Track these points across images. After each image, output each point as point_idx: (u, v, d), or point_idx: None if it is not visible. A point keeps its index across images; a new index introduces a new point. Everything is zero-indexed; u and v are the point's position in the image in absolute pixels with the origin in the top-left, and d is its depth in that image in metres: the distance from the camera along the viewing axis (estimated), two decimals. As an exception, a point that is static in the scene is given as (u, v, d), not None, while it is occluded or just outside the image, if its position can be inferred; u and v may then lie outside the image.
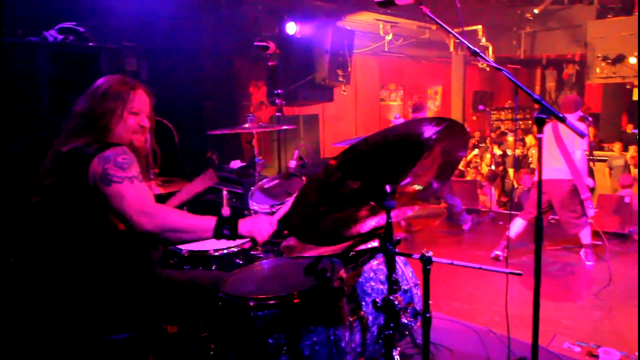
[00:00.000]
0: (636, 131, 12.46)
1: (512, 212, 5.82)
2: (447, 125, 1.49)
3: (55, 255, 1.93)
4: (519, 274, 1.68)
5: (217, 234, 1.81)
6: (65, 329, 1.90)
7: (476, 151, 11.36)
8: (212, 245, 2.68)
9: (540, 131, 1.90)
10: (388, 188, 1.56)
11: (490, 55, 10.46)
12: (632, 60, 10.12)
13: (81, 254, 1.89)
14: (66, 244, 1.90)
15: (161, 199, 3.11)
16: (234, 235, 1.83)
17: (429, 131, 1.46)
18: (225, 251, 2.66)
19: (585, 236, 4.94)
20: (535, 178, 4.92)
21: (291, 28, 6.48)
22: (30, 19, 3.47)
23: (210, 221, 1.81)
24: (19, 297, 2.31)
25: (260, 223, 1.87)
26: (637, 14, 10.13)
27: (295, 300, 1.86)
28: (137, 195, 1.78)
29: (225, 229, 1.81)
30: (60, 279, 1.91)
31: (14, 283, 2.44)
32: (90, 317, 1.88)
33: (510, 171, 9.91)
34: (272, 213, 2.77)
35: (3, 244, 2.65)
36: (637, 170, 9.30)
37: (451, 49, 11.64)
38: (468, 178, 9.46)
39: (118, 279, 1.92)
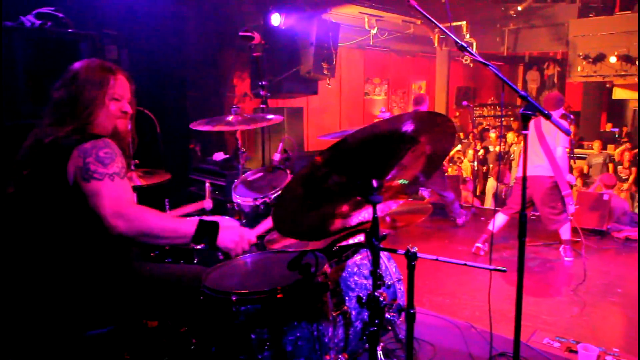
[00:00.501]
0: (615, 130, 12.72)
1: (496, 209, 5.87)
2: (434, 118, 1.48)
3: (30, 248, 1.87)
4: (504, 271, 1.68)
5: (196, 241, 1.78)
6: (41, 323, 1.85)
7: (459, 147, 11.44)
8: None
9: (525, 127, 1.92)
10: (374, 182, 1.55)
11: (474, 51, 10.52)
12: (612, 59, 10.30)
13: (57, 246, 1.84)
14: (42, 237, 1.85)
15: (142, 190, 3.06)
16: (212, 246, 1.80)
17: (415, 125, 1.45)
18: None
19: (565, 232, 5.01)
20: (517, 174, 4.97)
21: (276, 19, 6.42)
22: (6, 3, 3.36)
23: (190, 226, 1.77)
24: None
25: (240, 240, 1.85)
26: (619, 13, 10.30)
27: (279, 295, 1.84)
28: (116, 194, 1.71)
29: (205, 238, 1.78)
30: (35, 273, 1.86)
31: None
32: (67, 312, 1.83)
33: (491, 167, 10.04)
34: (256, 206, 2.75)
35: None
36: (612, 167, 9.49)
37: (435, 44, 11.69)
38: (450, 173, 9.51)
39: (96, 272, 1.88)
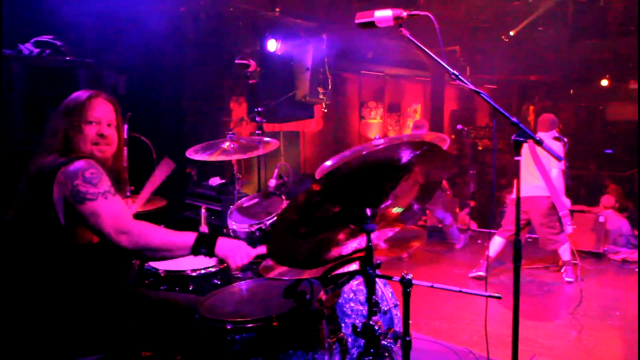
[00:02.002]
0: (610, 151, 12.80)
1: (491, 231, 5.87)
2: (427, 148, 1.49)
3: (25, 272, 1.86)
4: (498, 297, 1.68)
5: (195, 252, 1.82)
6: (33, 348, 1.82)
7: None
8: (190, 265, 2.63)
9: (517, 154, 1.93)
10: (368, 211, 1.55)
11: (467, 75, 10.65)
12: (604, 82, 10.48)
13: (51, 271, 1.83)
14: (35, 262, 1.84)
15: (138, 217, 3.05)
16: (210, 254, 1.83)
17: (408, 155, 1.46)
18: (202, 271, 2.61)
19: (565, 253, 5.00)
20: (512, 196, 4.96)
21: (272, 45, 6.52)
22: (5, 32, 3.40)
23: (189, 238, 1.81)
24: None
25: (238, 249, 1.87)
26: (610, 38, 10.50)
27: (274, 324, 1.84)
28: (114, 211, 1.75)
29: (203, 247, 1.82)
30: (29, 297, 1.85)
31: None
32: (59, 337, 1.81)
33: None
34: (252, 232, 2.74)
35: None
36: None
37: (430, 68, 11.83)
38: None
39: (89, 297, 1.86)
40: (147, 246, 1.75)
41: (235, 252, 1.85)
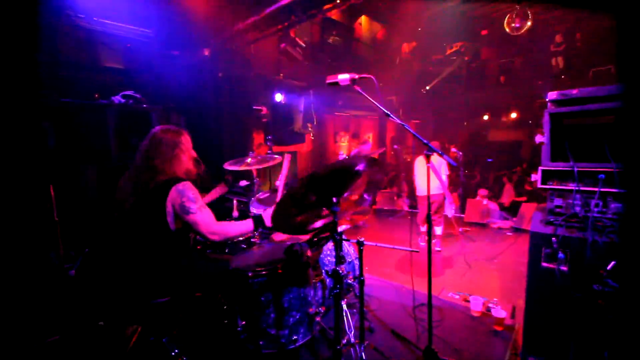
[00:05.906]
0: (490, 160, 12.94)
1: (414, 211, 5.84)
2: (371, 161, 1.51)
3: (125, 248, 1.82)
4: (416, 252, 1.70)
5: (256, 230, 1.82)
6: (126, 294, 1.81)
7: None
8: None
9: (428, 162, 1.96)
10: (334, 199, 1.56)
11: (400, 114, 10.71)
12: (485, 117, 10.51)
13: (143, 246, 1.79)
14: (140, 240, 1.79)
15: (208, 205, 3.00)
16: (265, 228, 1.82)
17: (359, 165, 1.47)
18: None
19: (438, 229, 4.72)
20: (424, 193, 4.88)
21: (278, 97, 6.51)
22: (102, 87, 3.36)
23: (250, 225, 1.80)
24: (94, 277, 2.17)
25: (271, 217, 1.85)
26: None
27: (279, 271, 1.84)
28: (206, 220, 1.74)
29: (260, 226, 1.81)
30: (123, 262, 1.82)
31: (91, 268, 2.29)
32: (140, 287, 1.79)
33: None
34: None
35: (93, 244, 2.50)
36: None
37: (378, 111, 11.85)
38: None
39: (165, 261, 1.83)
40: (228, 238, 1.77)
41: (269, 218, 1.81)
